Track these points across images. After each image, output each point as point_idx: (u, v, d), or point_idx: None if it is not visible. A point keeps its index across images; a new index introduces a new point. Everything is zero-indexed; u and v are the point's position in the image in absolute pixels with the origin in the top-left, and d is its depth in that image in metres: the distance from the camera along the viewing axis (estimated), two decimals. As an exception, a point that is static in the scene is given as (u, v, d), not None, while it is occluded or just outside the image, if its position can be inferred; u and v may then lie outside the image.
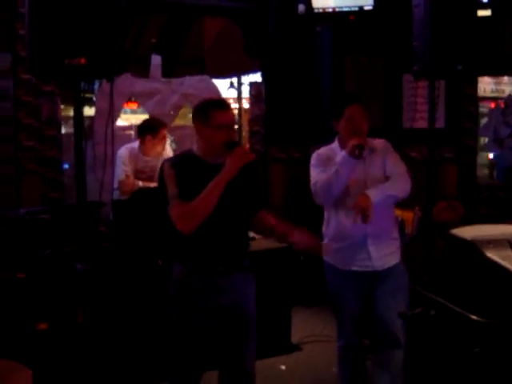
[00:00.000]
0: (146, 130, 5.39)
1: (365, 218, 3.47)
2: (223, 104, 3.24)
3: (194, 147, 3.24)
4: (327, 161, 3.69)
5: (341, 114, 3.69)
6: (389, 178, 3.67)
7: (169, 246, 3.29)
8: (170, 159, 3.32)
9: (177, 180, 3.05)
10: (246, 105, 8.08)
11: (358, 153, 3.49)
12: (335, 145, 3.81)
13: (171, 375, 3.30)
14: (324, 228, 3.89)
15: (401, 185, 3.67)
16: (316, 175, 3.69)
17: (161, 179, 3.15)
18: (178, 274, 3.23)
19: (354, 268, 3.69)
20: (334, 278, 3.83)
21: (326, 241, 3.82)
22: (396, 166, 3.73)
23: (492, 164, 9.11)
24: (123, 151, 5.37)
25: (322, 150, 3.84)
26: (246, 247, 3.33)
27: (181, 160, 3.20)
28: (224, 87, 8.52)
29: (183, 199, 3.00)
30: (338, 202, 3.69)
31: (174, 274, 3.25)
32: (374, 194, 3.54)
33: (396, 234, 3.84)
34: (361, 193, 3.53)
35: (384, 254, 3.69)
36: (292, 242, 3.28)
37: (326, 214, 3.87)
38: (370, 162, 3.69)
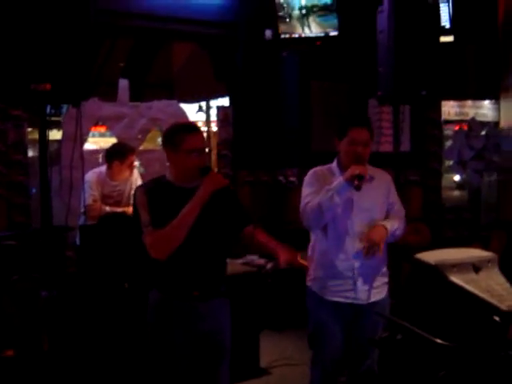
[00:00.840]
0: (114, 156, 5.38)
1: (373, 252, 3.41)
2: (193, 128, 3.21)
3: (167, 173, 3.21)
4: (323, 181, 3.53)
5: (344, 134, 3.54)
6: (389, 215, 3.62)
7: (144, 272, 3.26)
8: (143, 185, 3.29)
9: (149, 207, 3.01)
10: (214, 128, 8.12)
11: (357, 184, 3.31)
12: (334, 165, 3.66)
13: None
14: (310, 252, 3.73)
15: (404, 226, 3.65)
16: (308, 194, 3.53)
17: (134, 206, 3.12)
18: (155, 301, 3.19)
19: (338, 299, 3.56)
20: (317, 308, 3.66)
21: (311, 266, 3.64)
22: (400, 206, 3.70)
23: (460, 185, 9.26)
24: (90, 175, 5.35)
25: (319, 169, 3.67)
26: (223, 272, 3.29)
27: (154, 186, 3.16)
28: (193, 111, 8.56)
29: (156, 226, 2.97)
30: (326, 228, 3.55)
31: (150, 300, 3.21)
32: (391, 227, 3.50)
33: (385, 269, 3.70)
34: (376, 224, 3.48)
35: (370, 288, 3.57)
36: (278, 259, 3.22)
37: (312, 237, 3.70)
38: (365, 189, 3.42)
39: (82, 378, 4.22)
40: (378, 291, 3.63)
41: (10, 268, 4.41)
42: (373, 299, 3.58)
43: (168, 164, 3.22)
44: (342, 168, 3.54)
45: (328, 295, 3.58)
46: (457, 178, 9.63)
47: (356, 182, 3.32)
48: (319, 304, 3.63)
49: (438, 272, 2.65)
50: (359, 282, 3.53)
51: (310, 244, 3.72)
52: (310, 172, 3.68)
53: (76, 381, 4.10)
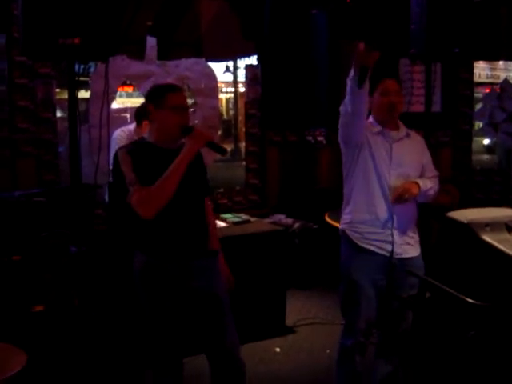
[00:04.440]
0: (144, 116, 5.36)
1: (398, 200, 3.43)
2: (176, 87, 3.24)
3: (147, 135, 3.22)
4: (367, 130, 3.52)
5: (375, 88, 3.52)
6: (423, 176, 3.62)
7: (130, 235, 3.24)
8: (124, 147, 3.23)
9: (134, 166, 3.00)
10: (241, 89, 8.07)
11: (393, 110, 3.50)
12: (371, 121, 3.62)
13: (152, 362, 3.28)
14: (347, 193, 3.63)
15: (437, 188, 3.67)
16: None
17: (116, 167, 3.08)
18: (141, 263, 3.18)
19: (374, 249, 3.50)
20: (352, 258, 3.57)
21: (346, 208, 3.62)
22: (433, 168, 3.71)
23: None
24: (119, 133, 5.35)
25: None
26: (206, 231, 3.28)
27: (136, 147, 3.14)
28: (219, 71, 8.51)
29: (143, 184, 2.96)
30: (366, 175, 3.52)
31: (136, 262, 3.20)
32: (424, 185, 3.51)
33: (416, 228, 3.67)
34: (413, 179, 3.50)
35: (405, 242, 3.54)
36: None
37: (351, 180, 3.59)
38: (401, 144, 3.56)
39: (109, 334, 4.28)
40: (414, 247, 3.60)
41: (39, 225, 4.45)
42: (407, 255, 3.54)
43: (149, 125, 3.25)
44: (378, 122, 3.58)
45: (364, 243, 3.52)
46: (487, 140, 9.51)
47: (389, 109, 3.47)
48: (354, 253, 3.55)
49: (470, 230, 2.62)
50: (396, 235, 3.50)
51: (348, 187, 3.62)
52: None
53: (103, 337, 4.15)
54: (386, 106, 3.51)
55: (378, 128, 3.56)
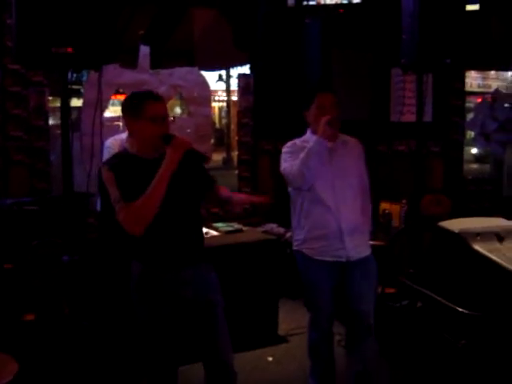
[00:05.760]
0: None
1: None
2: (155, 95, 3.09)
3: (127, 145, 3.14)
4: (302, 151, 3.64)
5: (311, 102, 3.73)
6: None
7: (124, 245, 3.22)
8: (106, 162, 3.15)
9: (117, 182, 2.92)
10: (234, 98, 8.09)
11: (334, 123, 3.55)
12: (308, 135, 3.81)
13: (147, 371, 3.26)
14: (295, 217, 3.85)
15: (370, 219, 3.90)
16: (290, 161, 3.68)
17: (101, 185, 3.01)
18: (137, 272, 3.15)
19: (328, 258, 3.70)
20: (308, 269, 3.81)
21: (296, 231, 3.85)
22: (367, 184, 3.85)
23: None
24: (111, 142, 5.32)
25: (297, 141, 3.83)
26: (201, 238, 3.26)
27: (118, 161, 3.06)
28: (212, 80, 8.52)
29: (127, 201, 2.88)
30: (310, 191, 3.69)
31: (133, 272, 3.17)
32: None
33: (368, 227, 3.89)
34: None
35: (357, 245, 3.71)
36: (235, 204, 3.34)
37: (298, 202, 3.80)
38: (341, 153, 3.74)
39: (100, 342, 4.26)
40: (365, 248, 3.80)
41: (31, 233, 4.44)
42: (360, 255, 3.73)
43: (128, 135, 3.16)
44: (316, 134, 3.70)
45: (318, 256, 3.73)
46: (478, 150, 9.55)
47: (333, 123, 3.55)
48: (310, 265, 3.78)
49: (461, 240, 2.64)
50: (347, 242, 3.68)
51: (296, 210, 3.84)
52: (289, 143, 3.84)
53: (94, 345, 4.13)
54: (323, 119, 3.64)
55: (316, 136, 3.66)
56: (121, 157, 3.11)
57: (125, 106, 3.09)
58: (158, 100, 3.06)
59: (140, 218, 2.88)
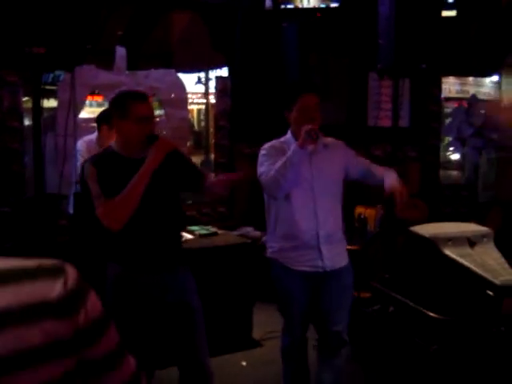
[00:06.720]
0: (102, 120, 5.25)
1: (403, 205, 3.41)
2: (141, 95, 3.12)
3: (113, 143, 3.15)
4: (280, 153, 3.48)
5: (294, 103, 3.53)
6: (367, 169, 3.69)
7: (102, 246, 3.20)
8: (90, 158, 3.18)
9: (98, 178, 2.95)
10: (213, 100, 8.07)
11: (313, 135, 3.31)
12: (288, 136, 3.64)
13: None
14: (271, 224, 3.69)
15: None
16: (266, 167, 3.49)
17: (82, 180, 3.04)
18: (113, 274, 3.14)
19: (305, 268, 3.57)
20: (284, 278, 3.67)
21: (271, 238, 3.71)
22: (364, 159, 3.75)
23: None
24: (81, 144, 5.26)
25: (275, 142, 3.65)
26: (178, 242, 3.26)
27: (101, 158, 3.10)
28: (191, 82, 8.49)
29: (107, 197, 2.92)
30: (287, 198, 3.53)
31: (109, 273, 3.15)
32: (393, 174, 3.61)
33: (343, 236, 3.73)
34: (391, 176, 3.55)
35: (335, 254, 3.60)
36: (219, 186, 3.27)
37: (273, 208, 3.65)
38: (321, 157, 3.55)
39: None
40: (343, 257, 3.67)
41: (3, 235, 4.38)
42: (337, 265, 3.60)
43: (115, 134, 3.16)
44: (297, 138, 3.50)
45: (295, 265, 3.59)
46: (455, 156, 9.60)
47: (313, 134, 3.31)
48: (285, 274, 3.63)
49: (432, 245, 2.64)
50: (325, 251, 3.54)
51: (270, 216, 3.68)
52: (266, 146, 3.64)
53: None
54: (306, 122, 3.42)
55: (294, 144, 3.47)
56: (105, 154, 3.14)
57: (112, 105, 3.15)
58: (145, 101, 3.08)
59: (118, 214, 2.92)
